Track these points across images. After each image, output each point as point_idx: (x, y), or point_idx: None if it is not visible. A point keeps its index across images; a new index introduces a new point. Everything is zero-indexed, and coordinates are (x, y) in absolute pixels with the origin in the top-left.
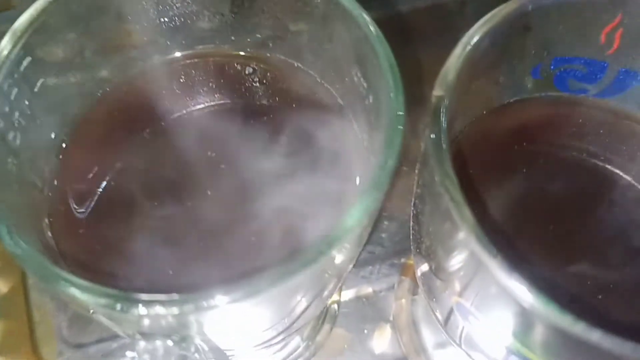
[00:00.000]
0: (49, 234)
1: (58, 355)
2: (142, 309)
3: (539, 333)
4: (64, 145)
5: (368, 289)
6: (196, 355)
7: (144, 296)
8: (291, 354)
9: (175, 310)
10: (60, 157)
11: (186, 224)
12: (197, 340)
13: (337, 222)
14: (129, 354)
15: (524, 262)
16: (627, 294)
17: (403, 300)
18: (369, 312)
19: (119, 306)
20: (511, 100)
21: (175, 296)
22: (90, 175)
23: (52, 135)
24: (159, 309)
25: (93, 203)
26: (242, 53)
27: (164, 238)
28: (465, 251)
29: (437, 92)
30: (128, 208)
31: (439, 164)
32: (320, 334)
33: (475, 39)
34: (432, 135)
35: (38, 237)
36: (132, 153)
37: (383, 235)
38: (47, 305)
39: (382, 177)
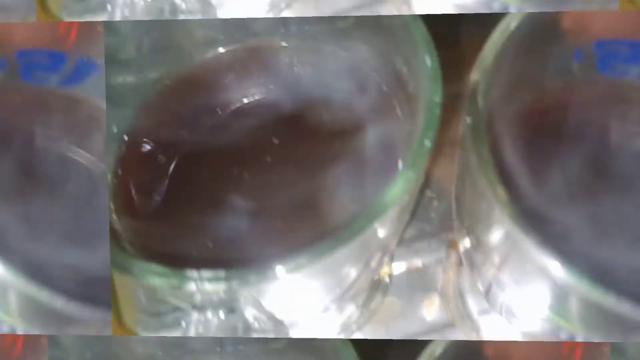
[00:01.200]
0: (114, 216)
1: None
2: (191, 286)
3: (575, 306)
4: (125, 137)
5: (418, 263)
6: (256, 324)
7: (193, 273)
8: (347, 320)
9: (222, 285)
10: (123, 148)
11: (243, 202)
12: (254, 311)
13: (377, 199)
14: (184, 323)
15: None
16: None
17: (450, 273)
18: (419, 283)
19: (174, 283)
20: (555, 85)
21: (221, 273)
22: (150, 165)
23: (115, 130)
24: (207, 286)
25: (154, 191)
26: (290, 45)
27: (227, 220)
28: (501, 230)
29: (475, 76)
30: (186, 198)
31: (475, 147)
32: (374, 302)
33: (513, 24)
34: (469, 120)
35: None
36: (190, 143)
37: (432, 214)
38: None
39: (418, 159)
